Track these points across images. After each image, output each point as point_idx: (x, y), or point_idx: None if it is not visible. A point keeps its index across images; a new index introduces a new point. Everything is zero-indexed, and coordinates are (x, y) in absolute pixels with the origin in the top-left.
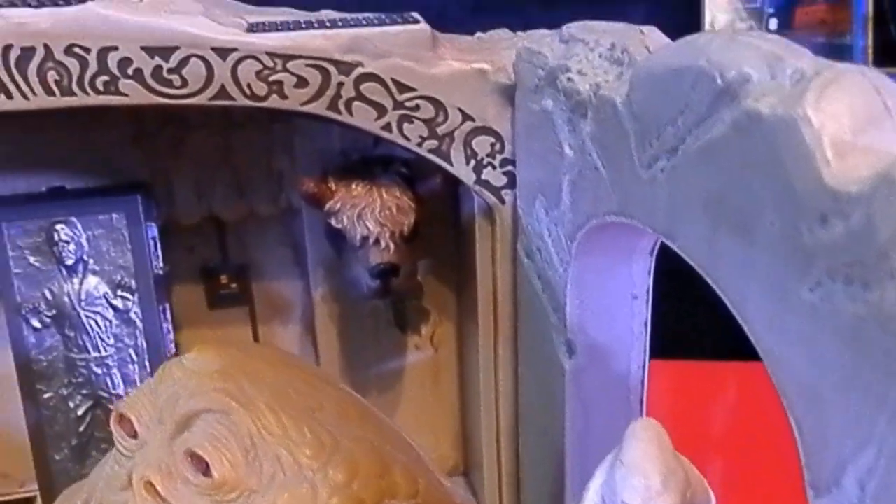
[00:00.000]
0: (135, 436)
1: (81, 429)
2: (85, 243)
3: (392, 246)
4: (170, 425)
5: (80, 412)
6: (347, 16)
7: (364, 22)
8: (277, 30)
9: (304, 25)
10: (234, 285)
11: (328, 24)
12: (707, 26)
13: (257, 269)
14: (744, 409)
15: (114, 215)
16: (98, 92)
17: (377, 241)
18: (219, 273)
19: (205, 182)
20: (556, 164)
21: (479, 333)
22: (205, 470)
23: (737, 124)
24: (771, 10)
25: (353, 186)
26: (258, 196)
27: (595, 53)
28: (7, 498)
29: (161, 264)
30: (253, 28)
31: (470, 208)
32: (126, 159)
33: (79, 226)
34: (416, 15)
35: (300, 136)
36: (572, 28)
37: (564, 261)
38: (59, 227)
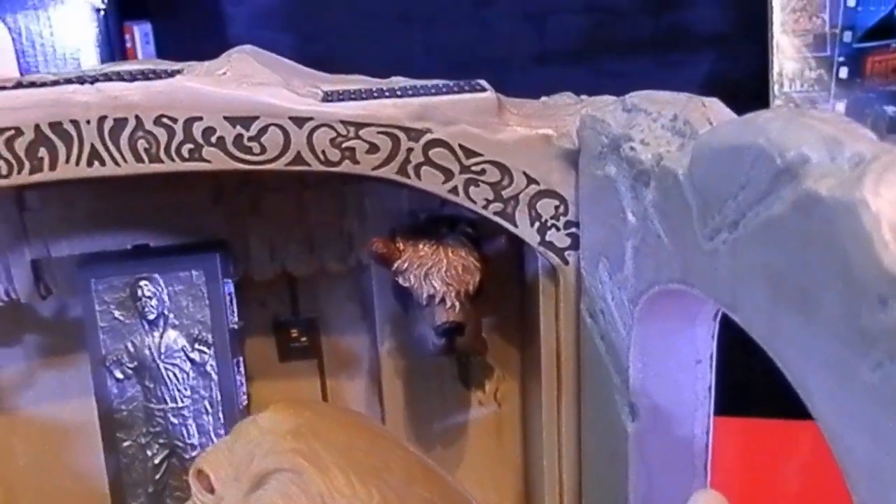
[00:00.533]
0: (212, 491)
1: (157, 477)
2: (166, 299)
3: (457, 305)
4: (245, 482)
5: (156, 461)
6: (417, 82)
7: (433, 90)
8: (351, 98)
9: (375, 94)
10: (303, 339)
11: (399, 92)
12: (775, 76)
13: (326, 324)
14: (812, 469)
15: (193, 272)
16: (183, 159)
17: (443, 301)
18: (289, 327)
19: (279, 240)
20: (619, 230)
21: (542, 391)
22: None
23: (796, 204)
24: (841, 59)
25: (420, 246)
26: (329, 254)
27: (657, 124)
28: None
29: (236, 319)
30: (328, 97)
31: (534, 268)
32: (206, 218)
33: (161, 282)
34: (482, 82)
35: (370, 198)
36: (635, 97)
37: (627, 324)
38: (142, 283)
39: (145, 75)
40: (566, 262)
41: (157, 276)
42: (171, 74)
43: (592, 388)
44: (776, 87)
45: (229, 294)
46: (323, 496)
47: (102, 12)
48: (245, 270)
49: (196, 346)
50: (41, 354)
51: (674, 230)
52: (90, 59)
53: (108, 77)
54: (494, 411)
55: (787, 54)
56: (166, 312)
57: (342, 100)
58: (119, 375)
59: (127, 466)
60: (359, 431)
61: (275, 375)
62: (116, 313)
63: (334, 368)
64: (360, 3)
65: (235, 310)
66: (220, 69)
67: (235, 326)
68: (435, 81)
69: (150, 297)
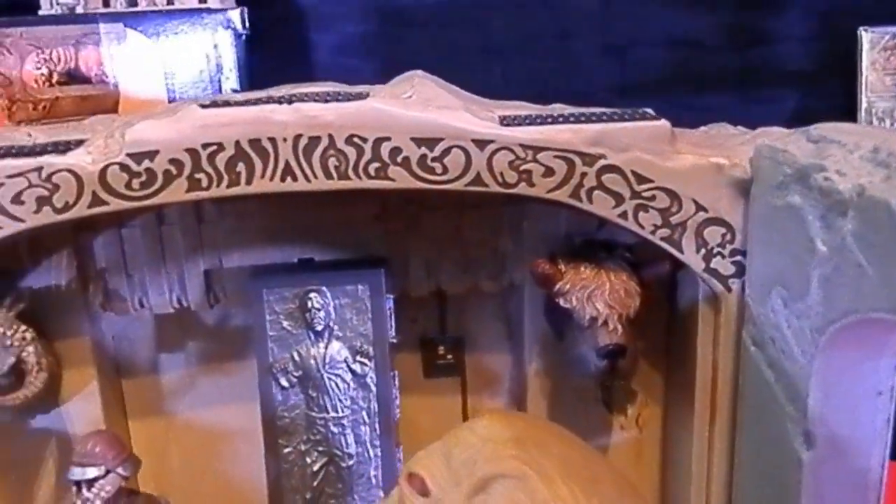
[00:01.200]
0: (425, 494)
1: (315, 483)
2: (332, 311)
3: (619, 328)
4: (466, 487)
5: (315, 468)
6: (576, 110)
7: (604, 117)
8: (528, 123)
9: (549, 119)
10: (449, 356)
11: (572, 118)
12: (863, 113)
13: (472, 342)
14: None
15: (359, 287)
16: (370, 177)
17: (605, 323)
18: (437, 344)
19: (435, 258)
20: (803, 259)
21: (690, 416)
22: None
23: None
24: None
25: (582, 269)
26: (482, 273)
27: (854, 155)
28: None
29: (394, 333)
30: (505, 121)
31: (690, 295)
32: (368, 235)
33: (328, 295)
34: (650, 111)
35: (528, 220)
36: (820, 129)
37: (807, 353)
38: (312, 295)
39: (334, 97)
40: (729, 290)
41: (324, 288)
42: (359, 96)
43: (756, 416)
44: (864, 125)
45: (390, 309)
46: (547, 503)
47: (243, 37)
48: (402, 287)
49: (358, 357)
50: (203, 361)
51: (881, 259)
52: (231, 83)
53: (302, 98)
54: (635, 436)
55: (877, 92)
56: (332, 325)
57: (519, 124)
58: (284, 383)
59: (287, 472)
60: (569, 443)
61: (419, 391)
62: (285, 323)
63: (477, 387)
64: (443, 33)
65: (393, 325)
66: (405, 92)
67: (394, 341)
68: (602, 109)
69: (318, 309)
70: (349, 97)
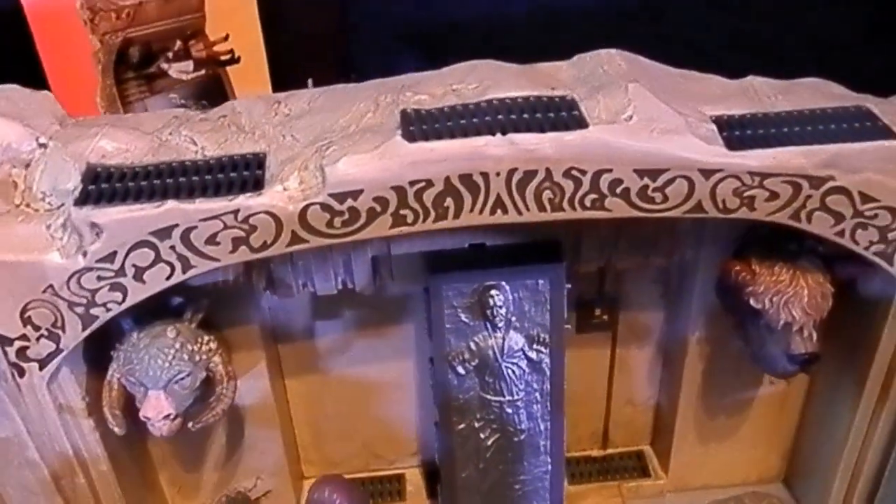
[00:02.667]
0: None
1: (488, 455)
2: (511, 305)
3: (815, 335)
4: None
5: (488, 442)
6: (767, 88)
7: (832, 132)
8: (755, 144)
9: (776, 137)
10: (605, 316)
11: (798, 133)
12: None
13: (627, 301)
14: None
15: (540, 281)
16: (584, 208)
17: (801, 330)
18: (594, 305)
19: (611, 238)
20: None
21: (849, 384)
22: None
23: None
24: None
25: (776, 270)
26: (656, 251)
27: None
28: (377, 474)
29: (567, 321)
30: (729, 134)
31: (878, 289)
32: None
33: (508, 290)
34: (872, 109)
35: None
36: None
37: None
38: (493, 292)
39: (554, 126)
40: None
41: (504, 284)
42: (583, 125)
43: None
44: None
45: (567, 298)
46: None
47: None
48: (572, 265)
49: (534, 346)
50: (358, 327)
51: None
52: None
53: (516, 128)
54: (782, 389)
55: None
56: (510, 317)
57: (748, 147)
58: (461, 371)
59: (460, 445)
60: None
61: (569, 343)
62: (462, 316)
63: (626, 339)
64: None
65: (566, 313)
66: (624, 111)
67: (568, 326)
68: (821, 106)
69: (500, 307)
70: (560, 117)
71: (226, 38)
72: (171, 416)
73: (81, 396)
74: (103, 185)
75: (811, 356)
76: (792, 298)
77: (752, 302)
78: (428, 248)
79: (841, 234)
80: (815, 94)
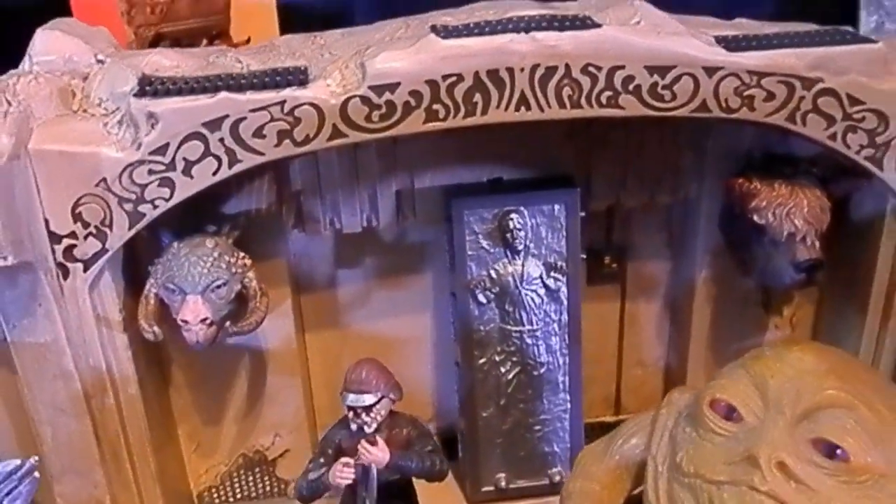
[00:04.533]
0: (730, 419)
1: (509, 390)
2: (529, 230)
3: (817, 243)
4: (790, 416)
5: (509, 376)
6: (755, 23)
7: (818, 39)
8: (750, 48)
9: (767, 43)
10: (614, 265)
11: (788, 40)
12: None
13: (634, 252)
14: None
15: (556, 206)
16: (601, 105)
17: (804, 239)
18: (603, 253)
19: (618, 175)
20: None
21: (853, 314)
22: (832, 454)
23: None
24: None
25: (776, 186)
26: (661, 188)
27: None
28: None
29: (580, 249)
30: (727, 45)
31: (873, 208)
32: (555, 153)
33: (526, 214)
34: (852, 30)
35: (713, 137)
36: None
37: None
38: (512, 215)
39: (573, 23)
40: None
41: (522, 209)
42: (584, 22)
43: None
44: None
45: (581, 225)
46: (880, 433)
47: None
48: (583, 202)
49: (552, 273)
50: (379, 276)
51: None
52: None
53: (534, 25)
54: (786, 334)
55: None
56: (528, 243)
57: (743, 48)
58: (482, 299)
59: (481, 381)
60: (866, 368)
61: (581, 297)
62: (484, 242)
63: (635, 293)
64: None
65: (579, 241)
66: (633, 19)
67: (583, 256)
68: (807, 27)
69: (519, 229)
70: (576, 23)
71: (247, 41)
72: (208, 322)
73: (119, 309)
74: (158, 86)
75: (815, 262)
76: (793, 209)
77: (756, 218)
78: (448, 181)
79: (833, 137)
80: (798, 26)
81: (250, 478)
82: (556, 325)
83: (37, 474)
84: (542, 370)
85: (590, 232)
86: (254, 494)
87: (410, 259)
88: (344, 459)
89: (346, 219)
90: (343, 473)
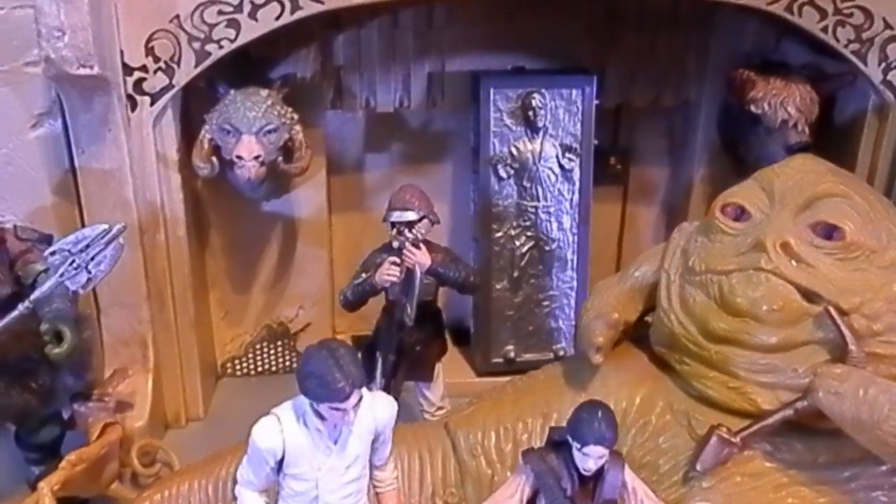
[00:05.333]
0: (738, 219)
1: (522, 263)
2: (549, 112)
3: (807, 130)
4: (793, 206)
5: (522, 250)
6: None
7: None
8: None
9: None
10: (619, 167)
11: None
12: None
13: (637, 155)
14: None
15: (574, 91)
16: None
17: (795, 125)
18: (609, 154)
19: (629, 74)
20: None
21: None
22: (830, 236)
23: None
24: None
25: (772, 80)
26: (667, 89)
27: None
28: None
29: (593, 135)
30: None
31: (856, 107)
32: (573, 48)
33: (546, 97)
34: None
35: (715, 41)
36: None
37: None
38: (535, 95)
39: None
40: None
41: (544, 91)
42: None
43: None
44: None
45: (595, 113)
46: (868, 213)
47: None
48: (597, 95)
49: (567, 154)
50: (403, 162)
51: None
52: None
53: None
54: None
55: None
56: (547, 124)
57: None
58: (503, 174)
59: (497, 254)
60: (857, 181)
61: None
62: (507, 121)
63: (635, 196)
64: None
65: (593, 129)
66: None
67: (596, 142)
68: None
69: (540, 108)
70: None
71: None
72: (260, 159)
73: (176, 148)
74: None
75: (805, 145)
76: (786, 99)
77: (753, 108)
78: (476, 67)
79: (825, 30)
80: None
81: (272, 350)
82: (567, 204)
83: (122, 240)
84: (553, 246)
85: (598, 133)
86: (273, 368)
87: (434, 147)
88: (391, 258)
89: (381, 97)
90: (390, 271)
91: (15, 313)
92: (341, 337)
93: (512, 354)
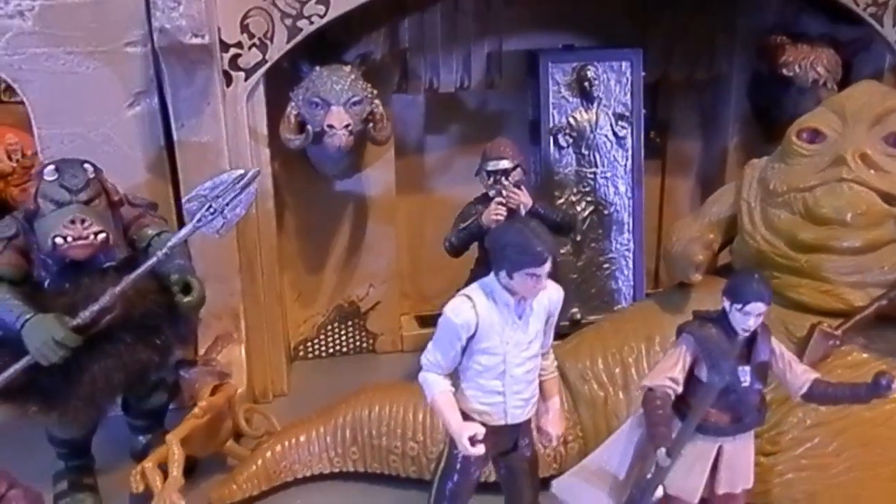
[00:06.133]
0: (814, 141)
1: (584, 228)
2: (602, 83)
3: (836, 87)
4: (865, 122)
5: (584, 215)
6: None
7: None
8: None
9: None
10: (657, 139)
11: None
12: None
13: (674, 127)
14: None
15: (624, 63)
16: None
17: (825, 84)
18: (648, 129)
19: (667, 50)
20: None
21: None
22: None
23: None
24: None
25: (799, 46)
26: (699, 64)
27: None
28: None
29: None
30: None
31: (872, 67)
32: (617, 28)
33: (599, 69)
34: None
35: (742, 17)
36: None
37: None
38: (589, 68)
39: None
40: None
41: (597, 63)
42: None
43: None
44: None
45: (644, 84)
46: None
47: None
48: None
49: (619, 122)
50: (462, 143)
51: None
52: None
53: None
54: None
55: None
56: (600, 94)
57: None
58: (562, 143)
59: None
60: None
61: None
62: (564, 92)
63: (673, 168)
64: None
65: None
66: None
67: (644, 111)
68: None
69: (595, 79)
70: None
71: None
72: (350, 128)
73: (265, 123)
74: None
75: None
76: (815, 60)
77: (784, 71)
78: (531, 46)
79: None
80: None
81: (342, 331)
82: (622, 170)
83: (256, 185)
84: (611, 210)
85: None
86: (344, 349)
87: (490, 127)
88: (498, 199)
89: (444, 78)
90: (498, 211)
91: (152, 260)
92: (405, 317)
93: (578, 316)
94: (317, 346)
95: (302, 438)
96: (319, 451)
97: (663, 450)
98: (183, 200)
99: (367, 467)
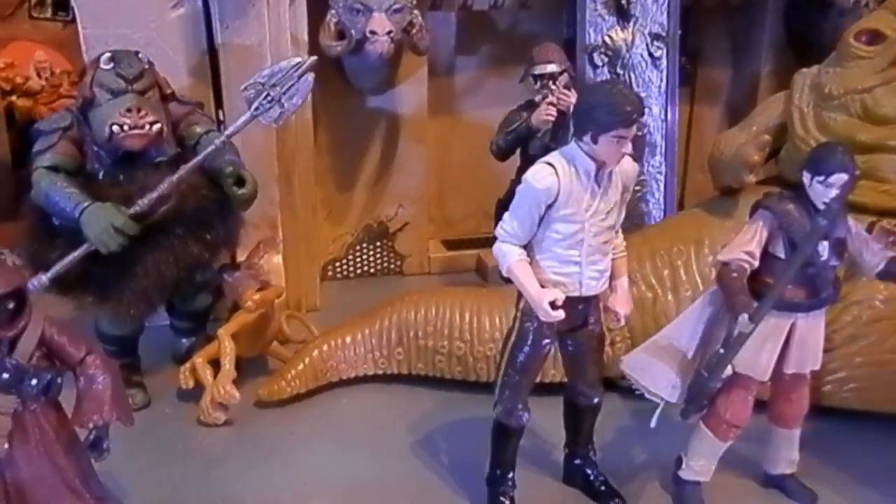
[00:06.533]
0: (873, 43)
1: None
2: (638, 2)
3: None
4: None
5: None
6: None
7: None
8: None
9: None
10: (688, 66)
11: None
12: None
13: (704, 56)
14: None
15: None
16: None
17: (867, 4)
18: (679, 55)
19: None
20: None
21: None
22: None
23: None
24: None
25: None
26: None
27: None
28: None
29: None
30: None
31: None
32: None
33: None
34: None
35: None
36: None
37: None
38: None
39: None
40: None
41: None
42: None
43: None
44: None
45: (678, 5)
46: None
47: None
48: None
49: (655, 42)
50: (491, 65)
51: None
52: None
53: None
54: None
55: None
56: (637, 14)
57: None
58: (598, 62)
59: None
60: None
61: None
62: (600, 10)
63: (701, 97)
64: None
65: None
66: None
67: (680, 32)
68: None
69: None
70: None
71: None
72: (392, 35)
73: (306, 31)
74: None
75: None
76: None
77: None
78: None
79: None
80: None
81: (371, 251)
82: (656, 91)
83: (312, 74)
84: (644, 131)
85: None
86: (372, 270)
87: (521, 49)
88: (549, 99)
89: None
90: (548, 111)
91: (210, 148)
92: (432, 242)
93: None
94: (345, 266)
95: (348, 339)
96: (365, 352)
97: (745, 315)
98: (241, 87)
99: (411, 369)
